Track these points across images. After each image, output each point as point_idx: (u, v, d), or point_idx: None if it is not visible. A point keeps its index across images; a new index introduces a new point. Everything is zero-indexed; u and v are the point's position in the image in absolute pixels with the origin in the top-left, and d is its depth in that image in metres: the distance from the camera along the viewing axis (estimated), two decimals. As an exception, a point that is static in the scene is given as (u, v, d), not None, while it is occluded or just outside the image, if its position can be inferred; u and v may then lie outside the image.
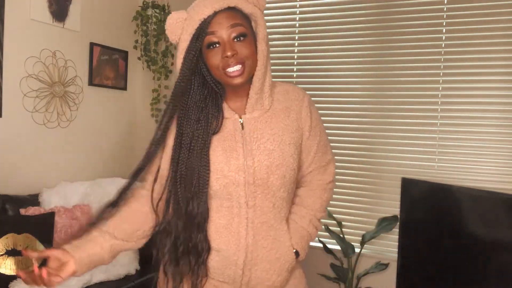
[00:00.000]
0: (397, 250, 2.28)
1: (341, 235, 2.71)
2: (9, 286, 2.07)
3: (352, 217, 2.86)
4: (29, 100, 2.64)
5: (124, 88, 3.34)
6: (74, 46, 2.91)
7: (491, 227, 1.84)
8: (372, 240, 2.66)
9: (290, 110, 1.25)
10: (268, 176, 1.18)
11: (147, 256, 2.64)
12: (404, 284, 2.23)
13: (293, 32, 3.06)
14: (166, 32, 1.20)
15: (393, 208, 2.67)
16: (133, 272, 2.45)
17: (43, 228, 2.30)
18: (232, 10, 1.15)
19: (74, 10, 2.88)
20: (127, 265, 2.47)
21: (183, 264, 1.19)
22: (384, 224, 2.62)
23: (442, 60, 2.65)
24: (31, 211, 2.37)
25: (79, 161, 3.00)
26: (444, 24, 2.65)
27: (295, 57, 3.08)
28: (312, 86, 2.98)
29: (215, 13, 1.13)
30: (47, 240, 2.28)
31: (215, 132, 1.19)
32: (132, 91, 3.43)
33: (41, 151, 2.75)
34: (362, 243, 2.63)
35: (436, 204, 2.09)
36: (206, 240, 1.19)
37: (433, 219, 2.09)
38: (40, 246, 2.23)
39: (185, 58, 1.16)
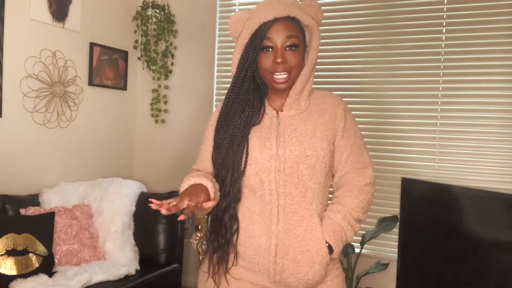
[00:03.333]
0: (397, 250, 2.28)
1: (341, 235, 2.70)
2: (9, 286, 2.07)
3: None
4: (29, 100, 2.64)
5: (124, 88, 3.34)
6: (74, 46, 2.91)
7: (491, 227, 1.84)
8: (372, 240, 2.66)
9: (325, 111, 1.35)
10: (297, 165, 1.28)
11: (147, 256, 2.65)
12: (404, 284, 2.23)
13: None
14: (228, 28, 1.36)
15: (393, 208, 2.67)
16: (133, 272, 2.45)
17: (43, 228, 2.30)
18: (290, 20, 1.28)
19: (74, 10, 2.88)
20: (127, 265, 2.47)
21: (214, 240, 1.32)
22: (384, 224, 2.62)
23: (442, 60, 2.65)
24: (31, 211, 2.37)
25: (79, 161, 3.00)
26: (444, 24, 2.64)
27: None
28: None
29: (275, 20, 1.26)
30: (47, 240, 2.28)
31: (255, 124, 1.33)
32: (132, 91, 3.43)
33: (41, 151, 2.75)
34: (362, 243, 2.63)
35: (436, 204, 2.09)
36: (234, 220, 1.31)
37: (433, 219, 2.09)
38: (40, 246, 2.23)
39: (243, 55, 1.31)
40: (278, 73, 1.27)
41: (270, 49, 1.28)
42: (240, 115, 1.32)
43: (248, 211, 1.31)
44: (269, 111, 1.35)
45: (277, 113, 1.35)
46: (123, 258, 2.53)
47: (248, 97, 1.34)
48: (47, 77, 2.73)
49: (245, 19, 1.32)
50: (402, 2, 2.74)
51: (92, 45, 3.02)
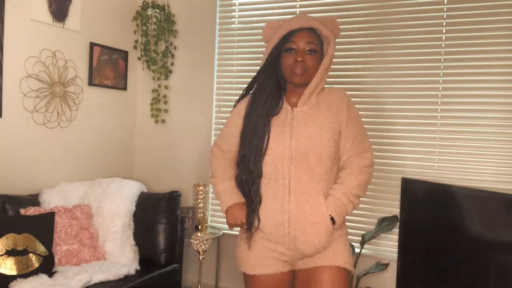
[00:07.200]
0: (397, 250, 2.28)
1: (341, 235, 2.71)
2: (9, 286, 2.07)
3: (352, 217, 2.86)
4: (29, 100, 2.64)
5: (124, 88, 3.34)
6: (74, 46, 2.91)
7: (491, 227, 1.84)
8: (372, 240, 2.66)
9: (332, 105, 1.65)
10: (306, 154, 1.58)
11: (147, 256, 2.64)
12: (404, 284, 2.23)
13: (293, 32, 3.06)
14: (262, 32, 1.70)
15: (393, 208, 2.67)
16: (133, 272, 2.45)
17: (43, 228, 2.30)
18: (313, 32, 1.63)
19: (74, 10, 2.88)
20: (127, 265, 2.47)
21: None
22: (384, 224, 2.62)
23: (442, 60, 2.64)
24: (31, 211, 2.37)
25: (79, 161, 3.00)
26: (444, 24, 2.64)
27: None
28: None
29: (301, 29, 1.61)
30: (47, 240, 2.28)
31: (274, 114, 1.64)
32: (132, 91, 3.43)
33: (41, 151, 2.75)
34: (362, 243, 2.63)
35: (436, 204, 2.09)
36: (258, 193, 1.63)
37: (433, 219, 2.09)
38: (40, 246, 2.23)
39: (271, 53, 1.66)
40: (297, 69, 1.59)
41: (293, 51, 1.61)
42: (263, 106, 1.64)
43: (265, 193, 1.62)
44: (286, 106, 1.66)
45: (292, 109, 1.64)
46: (123, 258, 2.53)
47: (270, 90, 1.65)
48: (47, 77, 2.73)
49: (276, 27, 1.65)
50: (402, 2, 2.74)
51: (92, 45, 3.02)
